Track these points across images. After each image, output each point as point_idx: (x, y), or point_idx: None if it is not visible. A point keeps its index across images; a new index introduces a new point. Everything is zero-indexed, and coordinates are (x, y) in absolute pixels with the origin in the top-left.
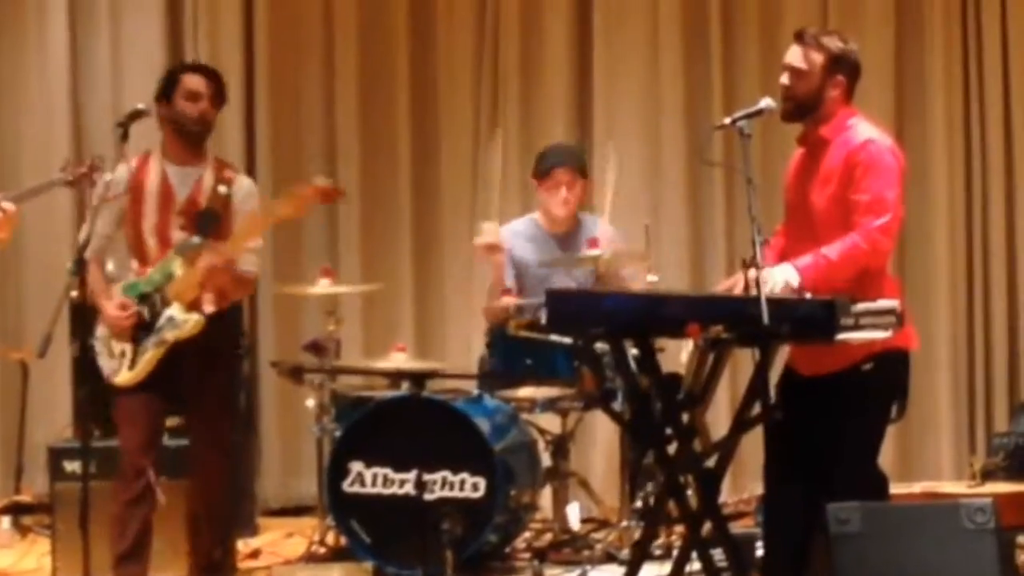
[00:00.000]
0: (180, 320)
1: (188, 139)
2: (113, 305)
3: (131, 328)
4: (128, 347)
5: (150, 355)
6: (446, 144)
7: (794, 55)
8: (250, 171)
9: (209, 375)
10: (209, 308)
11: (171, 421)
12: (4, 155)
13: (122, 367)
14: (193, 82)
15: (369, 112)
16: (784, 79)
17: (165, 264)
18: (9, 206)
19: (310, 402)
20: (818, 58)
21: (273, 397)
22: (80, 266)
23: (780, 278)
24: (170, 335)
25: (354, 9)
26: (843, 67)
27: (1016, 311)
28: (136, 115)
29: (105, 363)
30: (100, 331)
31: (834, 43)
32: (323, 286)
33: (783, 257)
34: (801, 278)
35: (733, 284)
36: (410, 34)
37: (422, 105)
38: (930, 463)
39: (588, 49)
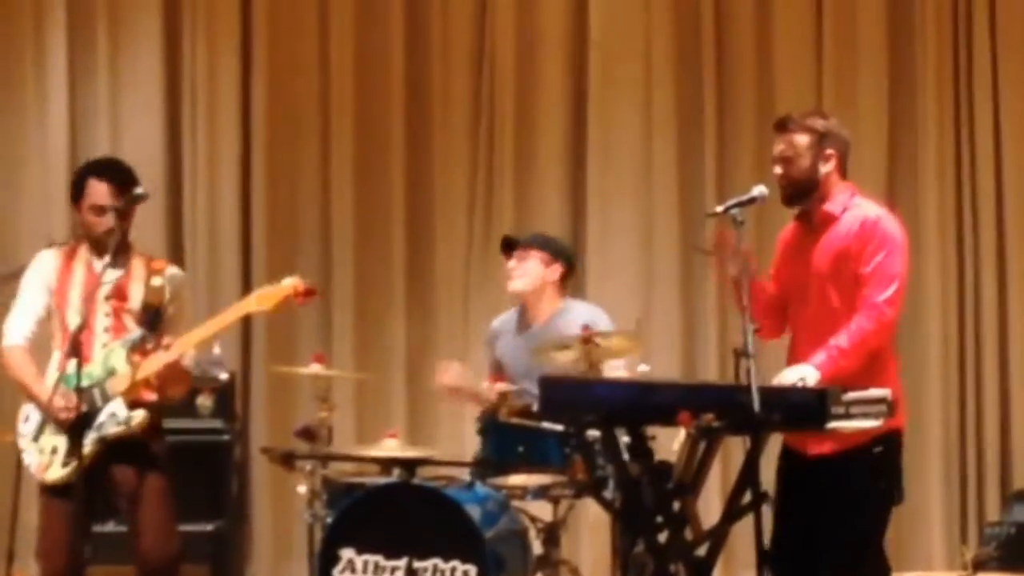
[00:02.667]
0: (124, 417)
1: (102, 245)
2: (56, 396)
3: (70, 423)
4: (62, 442)
5: (88, 452)
6: (440, 231)
7: (780, 145)
8: (245, 255)
9: (148, 479)
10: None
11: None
12: (4, 227)
13: (53, 463)
14: (98, 193)
15: (364, 198)
16: (777, 169)
17: (107, 358)
18: None
19: (301, 488)
20: (803, 139)
21: (264, 483)
22: (76, 347)
23: (796, 378)
24: (112, 431)
25: (350, 94)
26: (831, 141)
27: (1008, 399)
28: (135, 199)
29: (33, 459)
30: (27, 424)
31: (816, 121)
32: (314, 371)
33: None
34: (820, 375)
35: None
36: (406, 123)
37: (417, 193)
38: (922, 552)
39: (582, 137)
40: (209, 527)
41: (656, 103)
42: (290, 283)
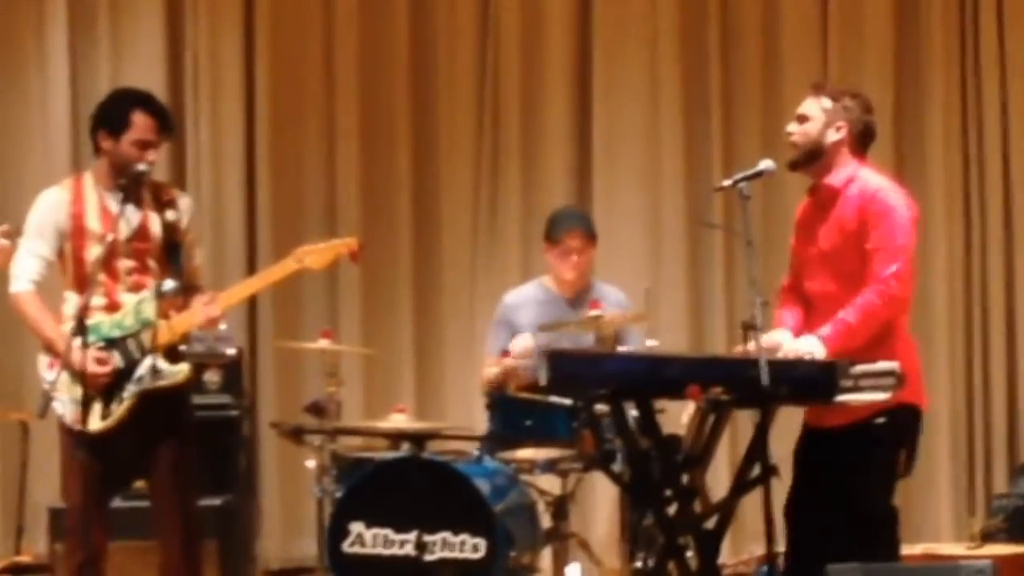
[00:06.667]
0: (168, 372)
1: (128, 180)
2: (89, 359)
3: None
4: (96, 394)
5: (128, 404)
6: (446, 206)
7: (804, 104)
8: (250, 235)
9: (159, 447)
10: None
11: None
12: (5, 208)
13: (91, 414)
14: (147, 128)
15: (370, 175)
16: (791, 127)
17: (139, 308)
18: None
19: (310, 463)
20: (825, 103)
21: (273, 458)
22: (81, 328)
23: (804, 350)
24: (153, 385)
25: (355, 73)
26: (847, 113)
27: (1016, 372)
28: (138, 176)
29: (67, 409)
30: (55, 374)
31: (843, 94)
32: (322, 346)
33: (805, 310)
34: (826, 348)
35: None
36: (411, 99)
37: (423, 168)
38: (930, 524)
39: (588, 112)
40: (218, 502)
41: (662, 81)
42: (342, 242)
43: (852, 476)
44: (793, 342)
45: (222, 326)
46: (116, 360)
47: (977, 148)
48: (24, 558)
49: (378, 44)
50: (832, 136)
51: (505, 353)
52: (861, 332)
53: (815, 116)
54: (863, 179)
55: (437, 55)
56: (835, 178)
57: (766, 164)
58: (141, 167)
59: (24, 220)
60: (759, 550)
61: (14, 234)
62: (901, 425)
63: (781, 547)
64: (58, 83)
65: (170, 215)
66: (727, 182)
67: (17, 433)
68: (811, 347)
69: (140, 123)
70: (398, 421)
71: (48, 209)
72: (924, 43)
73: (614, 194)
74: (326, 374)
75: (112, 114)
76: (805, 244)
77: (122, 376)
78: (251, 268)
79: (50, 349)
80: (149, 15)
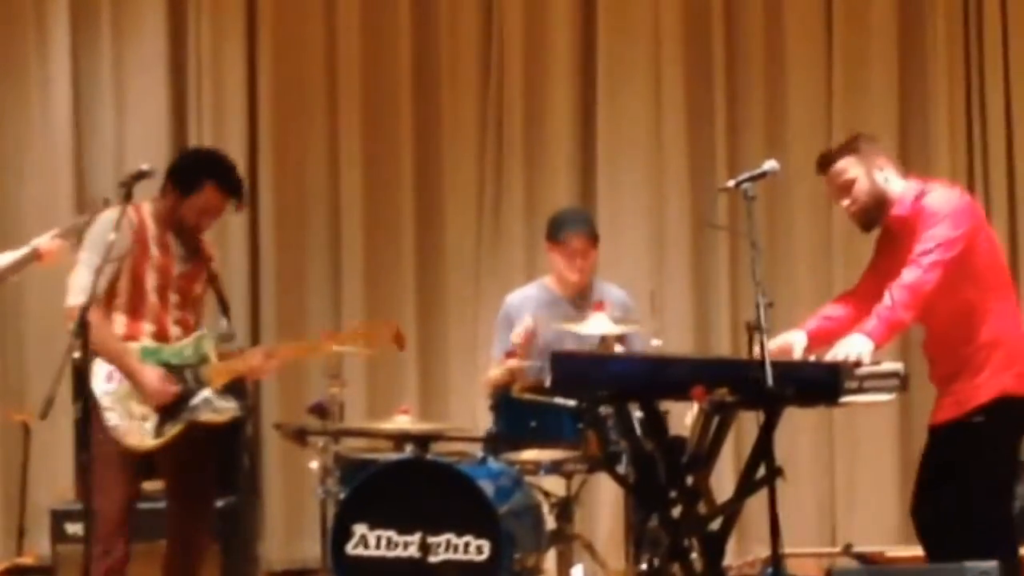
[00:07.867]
0: (220, 407)
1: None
2: (156, 377)
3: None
4: (150, 412)
5: (179, 428)
6: (450, 209)
7: (830, 182)
8: (253, 235)
9: (194, 450)
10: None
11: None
12: (6, 216)
13: (142, 432)
14: (216, 201)
15: (373, 175)
16: (844, 203)
17: (199, 343)
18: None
19: (314, 464)
20: (848, 160)
21: (277, 459)
22: (83, 328)
23: (853, 351)
24: (205, 417)
25: (358, 71)
26: (872, 146)
27: None
28: (141, 176)
29: (119, 422)
30: (113, 387)
31: (849, 141)
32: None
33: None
34: (872, 340)
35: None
36: (414, 101)
37: (426, 172)
38: None
39: (592, 114)
40: (221, 503)
41: (666, 81)
42: (387, 328)
43: (949, 479)
44: (839, 345)
45: (223, 323)
46: (177, 389)
47: (982, 153)
48: (26, 559)
49: (381, 42)
50: (879, 172)
51: (510, 354)
52: (904, 308)
53: (856, 174)
54: (919, 198)
55: (440, 56)
56: (900, 207)
57: (770, 165)
58: (145, 167)
59: (23, 219)
60: (764, 552)
61: (69, 235)
62: (999, 422)
63: (784, 548)
64: (59, 81)
65: (214, 267)
66: (731, 183)
67: (19, 434)
68: (855, 345)
69: (210, 196)
70: (402, 422)
71: (111, 228)
72: (929, 45)
73: (618, 195)
74: (329, 375)
75: (186, 177)
76: (890, 266)
77: (179, 401)
78: (253, 265)
79: (114, 361)
80: (152, 13)
